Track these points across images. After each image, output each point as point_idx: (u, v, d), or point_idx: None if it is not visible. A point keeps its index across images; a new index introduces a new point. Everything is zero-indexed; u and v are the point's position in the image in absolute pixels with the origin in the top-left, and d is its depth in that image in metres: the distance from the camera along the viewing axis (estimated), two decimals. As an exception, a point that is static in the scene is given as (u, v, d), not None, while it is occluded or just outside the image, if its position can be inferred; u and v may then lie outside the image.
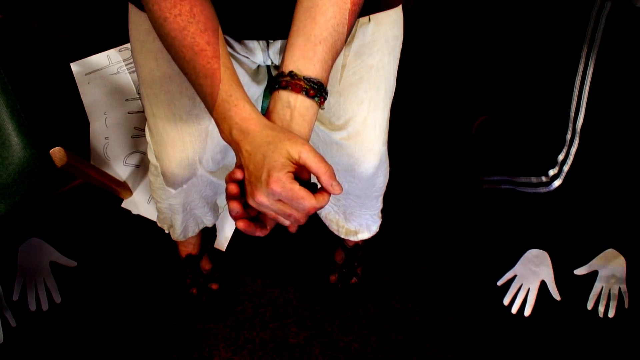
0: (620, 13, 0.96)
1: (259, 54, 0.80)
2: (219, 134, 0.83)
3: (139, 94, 1.44)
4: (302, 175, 0.58)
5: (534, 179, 1.21)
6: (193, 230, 1.06)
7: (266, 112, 0.61)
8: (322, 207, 0.57)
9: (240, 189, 0.59)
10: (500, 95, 1.48)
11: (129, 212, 1.32)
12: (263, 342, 1.20)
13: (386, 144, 0.86)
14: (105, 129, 1.40)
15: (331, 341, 1.20)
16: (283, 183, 0.54)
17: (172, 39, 0.59)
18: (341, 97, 0.80)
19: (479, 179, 1.33)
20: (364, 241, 1.15)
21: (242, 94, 0.59)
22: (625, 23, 0.97)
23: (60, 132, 1.40)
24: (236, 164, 0.61)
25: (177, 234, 1.04)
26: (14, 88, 0.92)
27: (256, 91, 0.87)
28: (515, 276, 1.26)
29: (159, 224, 1.07)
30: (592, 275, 1.27)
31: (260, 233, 0.60)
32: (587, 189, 1.20)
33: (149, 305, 1.23)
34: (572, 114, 1.08)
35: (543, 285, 1.26)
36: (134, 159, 1.37)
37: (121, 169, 1.36)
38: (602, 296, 1.25)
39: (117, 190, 1.29)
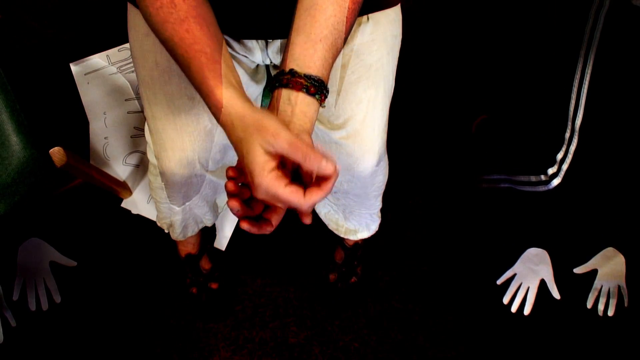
0: (618, 12, 0.96)
1: (258, 53, 0.80)
2: (218, 134, 0.83)
3: (138, 94, 1.44)
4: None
5: (533, 178, 1.21)
6: (193, 230, 1.06)
7: None
8: (317, 202, 0.52)
9: (239, 186, 0.58)
10: (499, 94, 1.48)
11: (128, 211, 1.32)
12: (263, 342, 1.20)
13: (385, 143, 0.86)
14: (105, 129, 1.40)
15: (331, 341, 1.20)
16: (265, 189, 0.51)
17: (156, 32, 0.59)
18: (340, 97, 0.80)
19: (478, 178, 1.33)
20: (364, 240, 1.15)
21: (218, 81, 0.56)
22: (624, 22, 0.97)
23: (60, 132, 1.40)
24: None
25: (176, 234, 1.05)
26: (14, 88, 0.93)
27: (255, 90, 0.88)
28: (514, 275, 1.26)
29: (158, 224, 1.07)
30: (592, 274, 1.27)
31: (265, 231, 0.57)
32: (586, 188, 1.21)
33: (148, 304, 1.23)
34: (571, 113, 1.08)
35: (542, 284, 1.26)
36: (134, 159, 1.37)
37: (121, 169, 1.36)
38: (601, 295, 1.25)
39: (117, 190, 1.29)
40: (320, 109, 0.61)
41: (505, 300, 1.25)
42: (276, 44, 0.79)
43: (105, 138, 1.39)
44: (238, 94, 0.56)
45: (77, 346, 1.18)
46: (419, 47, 1.54)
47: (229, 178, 0.57)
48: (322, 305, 1.24)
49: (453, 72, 1.53)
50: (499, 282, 1.27)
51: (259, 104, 0.95)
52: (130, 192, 1.33)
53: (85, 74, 1.48)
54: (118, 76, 1.47)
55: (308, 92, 0.58)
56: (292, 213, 0.62)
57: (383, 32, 0.79)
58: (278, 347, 1.19)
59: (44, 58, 1.50)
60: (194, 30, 0.57)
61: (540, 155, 1.19)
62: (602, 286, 1.25)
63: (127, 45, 1.51)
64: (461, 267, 1.28)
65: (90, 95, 1.45)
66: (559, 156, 1.14)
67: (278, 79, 0.59)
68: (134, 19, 0.78)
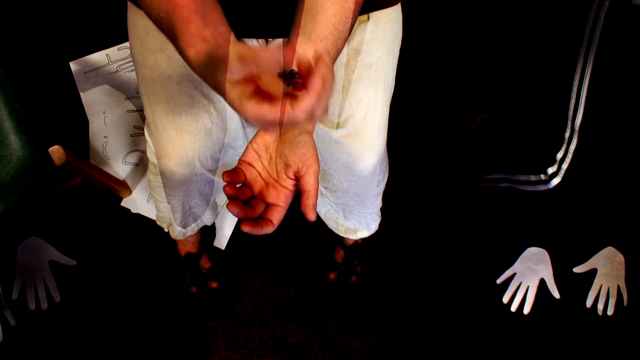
0: (618, 11, 0.96)
1: (258, 52, 0.80)
2: (217, 132, 0.83)
3: (138, 92, 1.43)
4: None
5: (533, 177, 1.21)
6: (192, 229, 1.06)
7: None
8: (309, 108, 0.46)
9: (238, 188, 0.57)
10: (499, 93, 1.48)
11: (128, 210, 1.32)
12: (263, 341, 1.20)
13: (385, 142, 0.86)
14: (105, 128, 1.40)
15: (331, 340, 1.20)
16: (253, 119, 0.46)
17: (148, 15, 0.59)
18: (340, 96, 0.80)
19: (478, 177, 1.33)
20: (364, 239, 1.15)
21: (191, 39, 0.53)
22: (624, 21, 0.97)
23: (60, 130, 1.40)
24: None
25: (176, 233, 1.04)
26: (13, 87, 0.92)
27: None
28: (514, 274, 1.27)
29: (158, 223, 1.07)
30: (591, 273, 1.27)
31: (266, 231, 0.56)
32: (586, 187, 1.21)
33: (148, 304, 1.23)
34: (570, 112, 1.08)
35: (542, 283, 1.26)
36: (134, 158, 1.37)
37: (120, 168, 1.36)
38: (601, 294, 1.25)
39: (117, 188, 1.29)
40: None
41: (505, 299, 1.25)
42: (277, 42, 0.78)
43: (104, 137, 1.39)
44: (207, 46, 0.52)
45: (76, 345, 1.18)
46: (419, 46, 1.54)
47: (226, 182, 0.56)
48: (322, 305, 1.24)
49: (453, 71, 1.53)
50: (498, 281, 1.27)
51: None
52: (130, 191, 1.33)
53: (85, 73, 1.48)
54: (118, 75, 1.47)
55: None
56: (294, 213, 0.62)
57: (383, 31, 0.79)
58: (278, 346, 1.19)
59: (44, 57, 1.50)
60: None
61: (540, 155, 1.19)
62: (601, 285, 1.26)
63: (127, 44, 1.51)
64: (461, 266, 1.28)
65: (90, 94, 1.44)
66: (559, 155, 1.14)
67: None
68: (134, 18, 0.78)
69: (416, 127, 1.45)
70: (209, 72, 0.51)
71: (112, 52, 1.51)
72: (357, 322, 1.22)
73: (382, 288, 1.26)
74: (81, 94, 1.45)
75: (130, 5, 0.79)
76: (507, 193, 1.27)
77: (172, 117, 0.79)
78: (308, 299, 1.24)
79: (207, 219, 1.06)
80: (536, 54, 1.44)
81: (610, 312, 1.23)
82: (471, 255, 1.30)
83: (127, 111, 1.42)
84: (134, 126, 1.41)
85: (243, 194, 0.57)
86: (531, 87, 1.39)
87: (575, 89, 1.06)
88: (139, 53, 0.79)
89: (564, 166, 1.15)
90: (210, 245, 1.27)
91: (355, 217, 1.02)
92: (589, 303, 1.25)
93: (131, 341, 1.19)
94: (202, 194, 0.95)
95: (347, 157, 0.83)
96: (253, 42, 0.78)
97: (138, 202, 1.33)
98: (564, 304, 1.25)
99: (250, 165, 0.59)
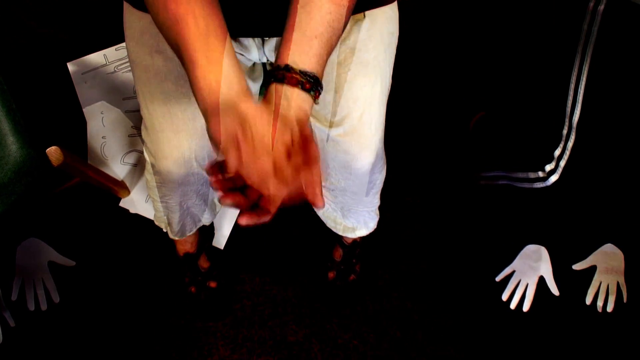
0: (616, 7, 0.96)
1: (255, 51, 0.80)
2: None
3: (135, 92, 1.43)
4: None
5: (531, 175, 1.21)
6: (190, 229, 1.06)
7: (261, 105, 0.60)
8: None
9: (223, 182, 0.55)
10: (497, 91, 1.48)
11: (126, 211, 1.32)
12: (262, 340, 1.20)
13: (382, 141, 0.86)
14: (103, 128, 1.40)
15: (330, 338, 1.20)
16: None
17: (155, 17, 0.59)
18: (337, 94, 0.79)
19: (476, 175, 1.33)
20: (362, 238, 1.15)
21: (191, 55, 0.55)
22: (621, 18, 0.97)
23: (57, 131, 1.40)
24: None
25: (174, 233, 1.04)
26: (10, 87, 0.92)
27: (252, 88, 0.87)
28: (513, 272, 1.26)
29: (156, 223, 1.07)
30: (591, 270, 1.27)
31: (263, 219, 0.55)
32: (584, 184, 1.20)
33: (147, 304, 1.23)
34: (568, 109, 1.08)
35: (541, 280, 1.26)
36: (132, 158, 1.37)
37: (119, 168, 1.36)
38: (600, 291, 1.25)
39: (115, 189, 1.29)
40: (316, 105, 0.61)
41: (504, 296, 1.25)
42: (272, 41, 0.78)
43: (102, 137, 1.39)
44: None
45: (76, 346, 1.18)
46: (415, 44, 1.54)
47: (210, 174, 0.55)
48: (321, 304, 1.24)
49: (450, 69, 1.53)
50: (497, 278, 1.27)
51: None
52: (128, 192, 1.33)
53: (82, 73, 1.47)
54: (115, 75, 1.47)
55: (303, 88, 0.58)
56: (293, 212, 0.61)
57: (380, 29, 0.79)
58: (277, 346, 1.19)
59: (41, 57, 1.50)
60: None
61: (538, 152, 1.19)
62: (601, 282, 1.26)
63: (124, 44, 1.51)
64: (460, 264, 1.28)
65: (88, 95, 1.44)
66: (557, 153, 1.14)
67: (273, 74, 0.59)
68: (130, 19, 0.78)
69: (414, 125, 1.45)
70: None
71: (110, 52, 1.51)
72: (356, 321, 1.22)
73: (381, 287, 1.26)
74: (79, 94, 1.44)
75: (126, 6, 0.79)
76: (505, 190, 1.27)
77: (169, 116, 0.79)
78: (307, 298, 1.24)
79: (205, 219, 1.06)
80: (533, 51, 1.44)
81: (609, 309, 1.23)
82: (470, 253, 1.29)
83: (125, 111, 1.42)
84: (131, 126, 1.41)
85: (235, 182, 0.55)
86: (529, 85, 1.39)
87: (572, 85, 1.06)
88: (135, 53, 0.79)
89: (562, 163, 1.15)
90: (209, 245, 1.27)
91: (354, 216, 1.02)
92: (588, 300, 1.24)
93: (130, 341, 1.19)
94: (200, 194, 0.95)
95: (345, 156, 0.83)
96: (249, 41, 0.78)
97: (136, 202, 1.33)
98: (564, 301, 1.24)
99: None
